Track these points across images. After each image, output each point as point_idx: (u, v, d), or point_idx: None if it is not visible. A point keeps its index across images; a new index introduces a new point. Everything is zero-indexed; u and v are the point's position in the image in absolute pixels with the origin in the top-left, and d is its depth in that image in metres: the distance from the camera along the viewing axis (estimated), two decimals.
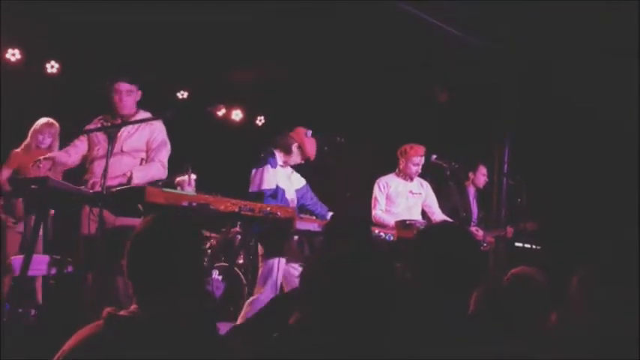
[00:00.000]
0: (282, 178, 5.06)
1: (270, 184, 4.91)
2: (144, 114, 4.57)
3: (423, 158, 5.96)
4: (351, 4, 6.49)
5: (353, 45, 7.26)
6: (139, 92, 4.56)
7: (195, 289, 1.87)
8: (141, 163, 4.49)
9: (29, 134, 5.74)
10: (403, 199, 5.98)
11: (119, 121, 4.46)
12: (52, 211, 5.52)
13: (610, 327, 1.85)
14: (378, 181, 6.04)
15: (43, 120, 5.77)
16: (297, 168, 5.41)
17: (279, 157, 5.09)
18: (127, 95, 4.48)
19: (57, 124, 5.80)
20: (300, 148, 5.12)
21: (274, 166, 4.99)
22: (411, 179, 6.02)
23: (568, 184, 7.42)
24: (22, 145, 5.74)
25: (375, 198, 5.98)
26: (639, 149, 6.55)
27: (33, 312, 5.00)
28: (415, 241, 2.41)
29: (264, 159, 4.99)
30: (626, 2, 5.92)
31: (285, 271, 4.86)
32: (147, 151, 4.51)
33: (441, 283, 2.19)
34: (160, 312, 1.78)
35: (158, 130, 4.56)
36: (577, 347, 1.94)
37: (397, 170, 6.03)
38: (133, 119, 4.49)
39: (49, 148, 5.61)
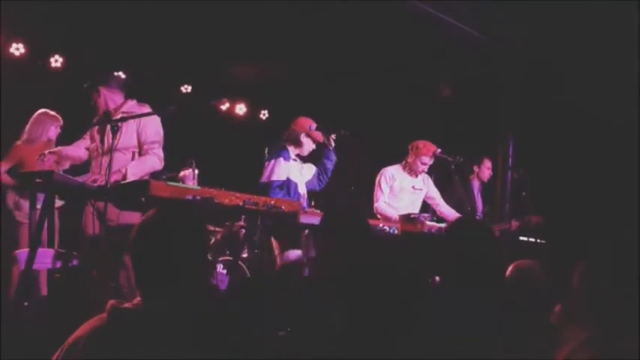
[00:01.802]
0: (295, 172, 5.16)
1: (280, 176, 5.01)
2: (131, 103, 4.61)
3: (433, 159, 5.93)
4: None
5: (358, 39, 7.26)
6: (110, 87, 4.65)
7: (199, 283, 1.87)
8: (133, 158, 4.49)
9: (35, 127, 5.64)
10: (406, 194, 5.97)
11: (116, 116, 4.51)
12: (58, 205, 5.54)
13: (610, 325, 1.84)
14: (383, 171, 6.00)
15: (48, 112, 5.71)
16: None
17: (292, 151, 5.22)
18: (97, 98, 4.63)
19: None
20: (308, 135, 5.24)
21: (287, 159, 5.11)
22: (416, 175, 6.01)
23: (572, 178, 7.41)
24: (25, 138, 5.63)
25: (380, 189, 5.93)
26: None
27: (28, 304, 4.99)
28: (443, 240, 2.40)
29: (277, 152, 5.10)
30: (627, 2, 5.94)
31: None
32: (139, 145, 4.51)
33: (468, 281, 2.18)
34: (162, 305, 1.78)
35: (147, 121, 4.53)
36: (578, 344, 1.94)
37: (404, 163, 6.00)
38: (121, 110, 4.53)
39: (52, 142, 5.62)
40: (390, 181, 5.94)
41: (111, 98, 4.64)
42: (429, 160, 5.93)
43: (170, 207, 2.04)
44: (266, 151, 5.31)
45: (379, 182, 5.96)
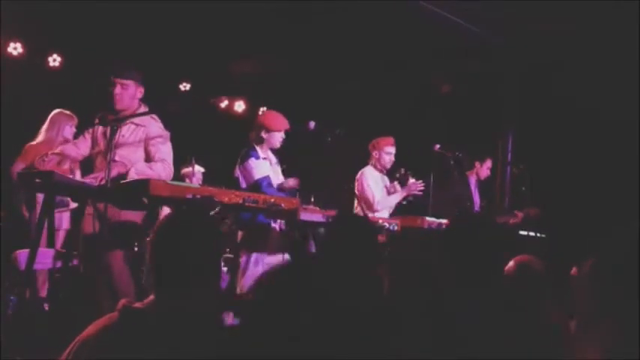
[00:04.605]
0: (267, 169, 4.99)
1: (262, 172, 4.87)
2: (145, 109, 4.51)
3: (394, 148, 6.00)
4: None
5: (358, 36, 7.26)
6: (139, 88, 4.46)
7: (212, 285, 1.90)
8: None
9: (51, 127, 5.57)
10: (381, 191, 6.05)
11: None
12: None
13: (619, 325, 1.84)
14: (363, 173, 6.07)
15: (64, 112, 5.66)
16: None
17: (260, 150, 5.02)
18: (124, 90, 4.39)
19: None
20: (267, 130, 5.00)
21: (257, 158, 4.94)
22: (387, 170, 6.08)
23: (572, 173, 7.42)
24: (42, 139, 5.56)
25: (369, 189, 5.98)
26: None
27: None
28: (448, 238, 2.40)
29: (246, 153, 4.95)
30: (626, 2, 5.96)
31: (267, 263, 4.80)
32: (146, 153, 4.41)
33: (475, 281, 2.18)
34: (175, 305, 1.81)
35: (153, 130, 4.44)
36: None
37: (372, 162, 6.08)
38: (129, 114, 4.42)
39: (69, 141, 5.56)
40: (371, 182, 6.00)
41: (133, 98, 4.49)
42: (393, 150, 6.00)
43: (188, 210, 2.06)
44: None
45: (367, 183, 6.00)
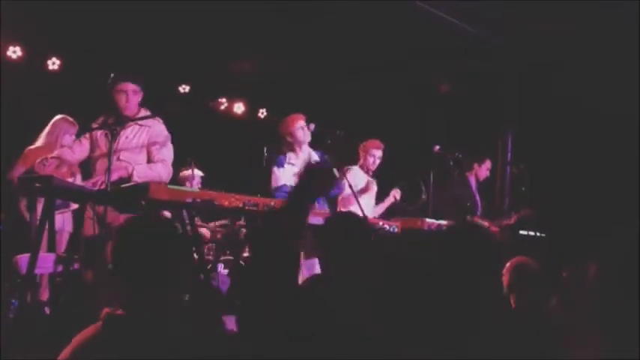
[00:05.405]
0: (289, 176, 5.13)
1: (278, 181, 5.10)
2: (145, 112, 4.54)
3: (381, 152, 6.10)
4: None
5: (357, 37, 7.26)
6: (142, 93, 4.53)
7: (185, 286, 1.89)
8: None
9: (51, 132, 5.47)
10: (367, 192, 6.07)
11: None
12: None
13: (621, 328, 1.83)
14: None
15: (67, 118, 5.58)
16: None
17: (292, 155, 5.25)
18: (134, 95, 4.43)
19: None
20: (288, 133, 5.23)
21: (281, 165, 5.17)
22: (372, 172, 6.15)
23: (572, 172, 7.42)
24: (41, 143, 5.45)
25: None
26: None
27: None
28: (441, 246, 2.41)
29: (274, 159, 5.19)
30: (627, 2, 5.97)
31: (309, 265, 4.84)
32: (148, 153, 4.47)
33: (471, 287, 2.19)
34: (149, 310, 1.81)
35: (157, 131, 4.49)
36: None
37: (360, 163, 6.17)
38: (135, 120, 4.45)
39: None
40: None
41: (138, 103, 4.52)
42: (379, 152, 6.09)
43: (144, 215, 2.05)
44: (265, 151, 5.32)
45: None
